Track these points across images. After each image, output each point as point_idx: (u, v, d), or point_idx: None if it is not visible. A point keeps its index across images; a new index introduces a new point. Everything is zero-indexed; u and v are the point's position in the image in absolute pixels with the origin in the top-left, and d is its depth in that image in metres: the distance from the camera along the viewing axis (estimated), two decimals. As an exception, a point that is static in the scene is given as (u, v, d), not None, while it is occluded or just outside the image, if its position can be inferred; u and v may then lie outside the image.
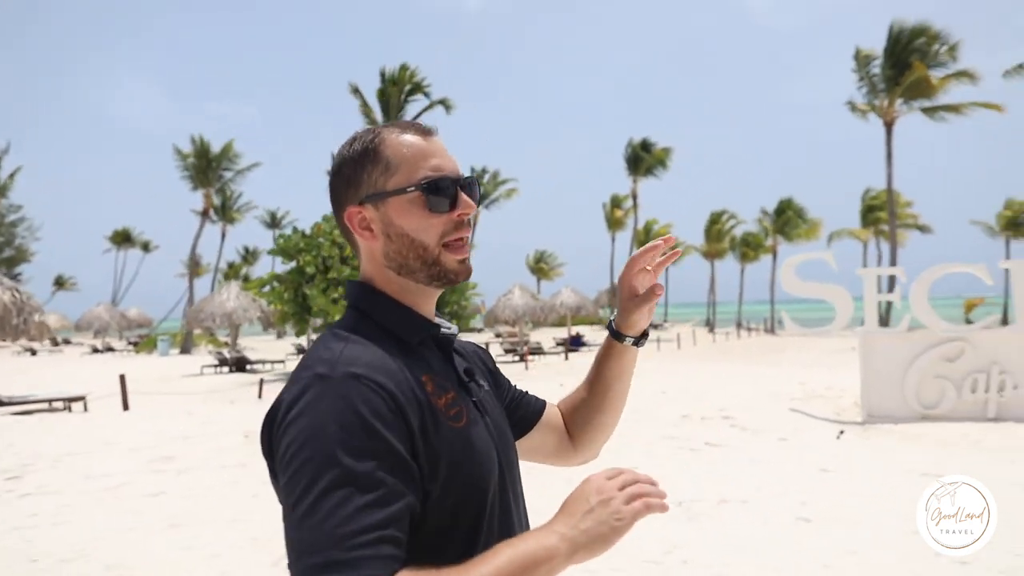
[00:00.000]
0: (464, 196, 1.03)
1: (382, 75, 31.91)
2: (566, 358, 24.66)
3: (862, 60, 26.18)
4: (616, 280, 1.30)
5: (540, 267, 64.51)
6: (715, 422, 9.99)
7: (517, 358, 25.65)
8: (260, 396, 14.50)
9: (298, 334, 21.44)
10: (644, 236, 53.43)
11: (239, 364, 23.88)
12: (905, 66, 24.57)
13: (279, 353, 33.76)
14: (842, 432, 9.07)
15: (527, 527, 1.10)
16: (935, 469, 6.96)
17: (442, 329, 1.08)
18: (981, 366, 9.89)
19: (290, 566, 0.85)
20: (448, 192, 1.02)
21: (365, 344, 0.97)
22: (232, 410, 12.34)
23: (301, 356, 1.77)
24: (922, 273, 10.50)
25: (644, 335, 1.27)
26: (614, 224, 53.91)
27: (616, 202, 54.67)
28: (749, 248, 50.80)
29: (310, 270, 20.08)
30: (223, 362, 24.08)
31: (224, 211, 48.17)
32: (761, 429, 9.37)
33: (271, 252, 21.29)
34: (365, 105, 32.23)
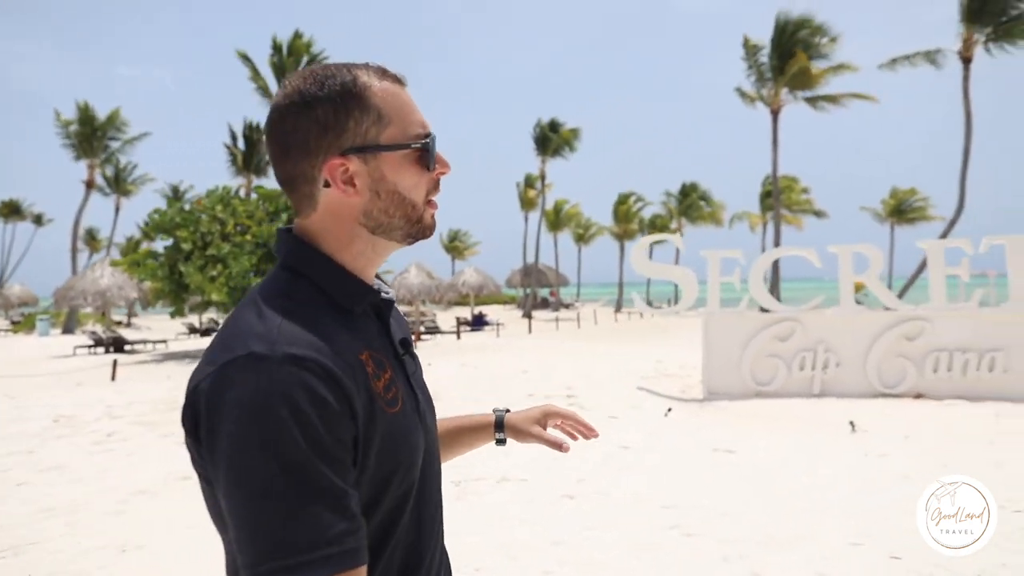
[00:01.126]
0: (441, 155, 0.98)
1: (274, 44, 30.72)
2: (458, 337, 24.67)
3: (750, 49, 27.02)
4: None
5: (454, 246, 64.25)
6: (556, 400, 10.13)
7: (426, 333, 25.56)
8: (113, 378, 13.83)
9: (173, 314, 20.60)
10: (554, 216, 53.84)
11: (117, 344, 22.78)
12: (789, 56, 25.52)
13: (172, 333, 32.47)
14: (670, 410, 9.35)
15: (440, 509, 1.06)
16: (727, 445, 7.24)
17: (382, 294, 1.00)
18: (809, 345, 10.38)
19: (242, 566, 0.78)
20: (434, 150, 0.96)
21: (303, 315, 0.87)
22: (65, 394, 11.71)
23: (211, 333, 1.35)
24: (759, 257, 10.91)
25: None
26: (527, 204, 53.96)
27: (529, 182, 54.73)
28: (657, 230, 51.99)
29: (186, 246, 19.29)
30: (98, 342, 22.93)
31: (118, 183, 45.70)
32: (597, 407, 9.55)
33: (143, 228, 20.30)
34: (256, 74, 31.00)
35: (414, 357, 1.05)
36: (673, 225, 50.69)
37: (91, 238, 62.50)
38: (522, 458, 6.52)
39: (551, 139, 41.10)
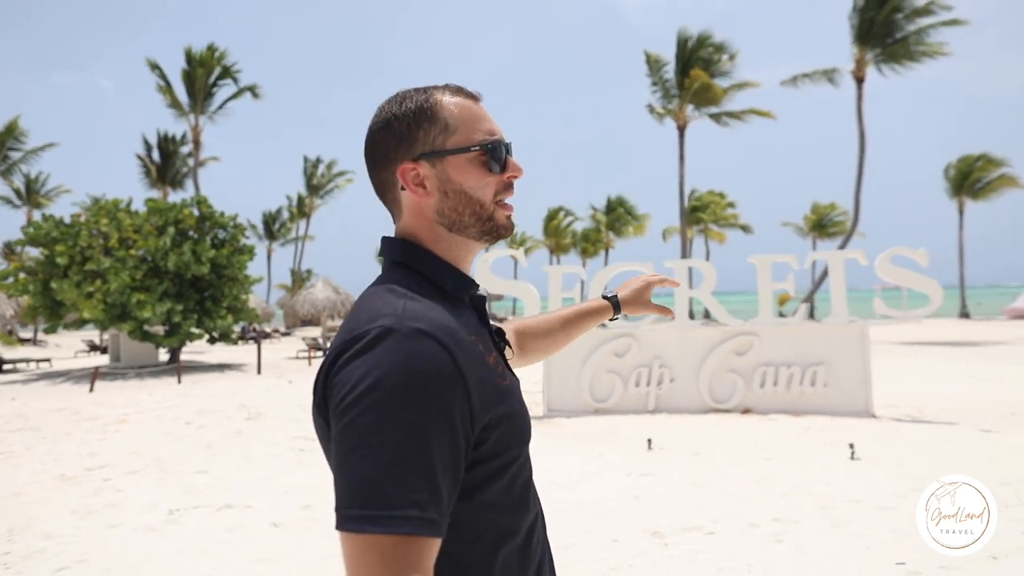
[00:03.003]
0: (513, 160, 1.08)
1: (188, 56, 29.98)
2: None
3: (653, 65, 27.43)
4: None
5: (390, 260, 63.47)
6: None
7: (323, 353, 25.04)
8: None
9: (47, 330, 19.70)
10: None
11: (-6, 363, 21.68)
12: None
13: (68, 351, 31.14)
14: None
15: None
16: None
17: (479, 291, 1.12)
18: (645, 361, 10.36)
19: (336, 507, 0.85)
20: (501, 154, 1.06)
21: (422, 300, 0.98)
22: None
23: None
24: (599, 272, 10.88)
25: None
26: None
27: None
28: (589, 244, 52.34)
29: (62, 261, 18.48)
30: (-28, 362, 21.77)
31: (28, 195, 43.93)
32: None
33: (18, 242, 19.41)
34: (168, 86, 30.18)
35: (508, 348, 1.17)
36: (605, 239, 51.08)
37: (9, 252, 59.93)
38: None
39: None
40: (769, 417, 9.56)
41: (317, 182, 43.65)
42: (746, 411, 9.90)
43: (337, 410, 0.88)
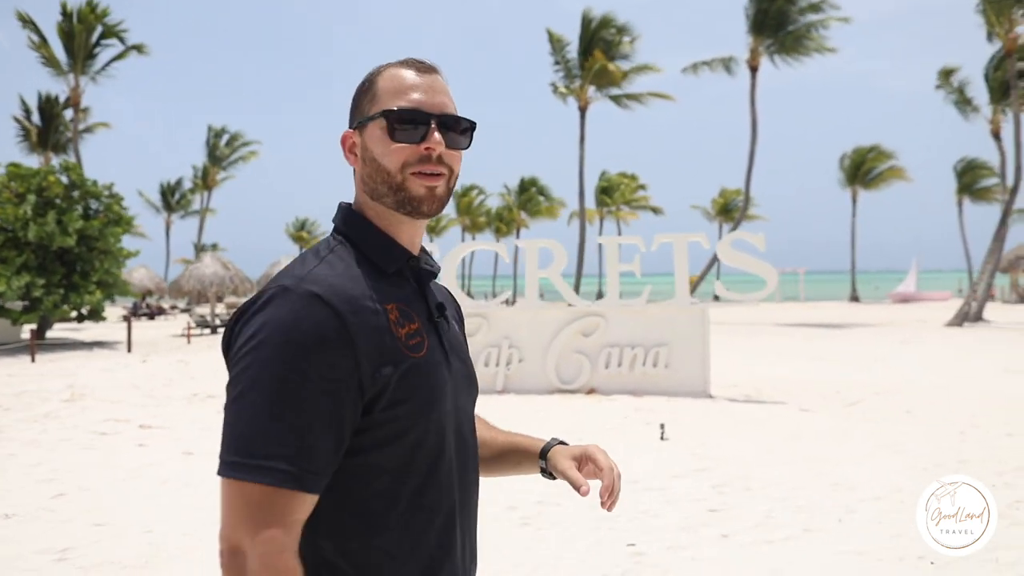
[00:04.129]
0: (436, 133, 1.04)
1: (63, 9, 27.85)
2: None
3: (556, 44, 27.43)
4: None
5: (301, 235, 61.86)
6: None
7: (209, 331, 24.15)
8: None
9: None
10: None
11: None
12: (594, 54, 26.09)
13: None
14: None
15: (476, 479, 1.16)
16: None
17: (422, 262, 1.10)
18: (495, 341, 10.33)
19: (220, 454, 0.91)
20: (417, 123, 1.03)
21: (335, 266, 0.99)
22: None
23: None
24: (450, 251, 10.76)
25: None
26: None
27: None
28: (503, 223, 52.34)
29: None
30: None
31: None
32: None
33: None
34: (43, 41, 28.06)
35: (449, 322, 1.14)
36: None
37: None
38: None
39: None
40: (611, 398, 9.70)
41: (220, 153, 41.90)
42: (591, 392, 10.02)
43: (230, 363, 0.94)
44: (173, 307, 40.54)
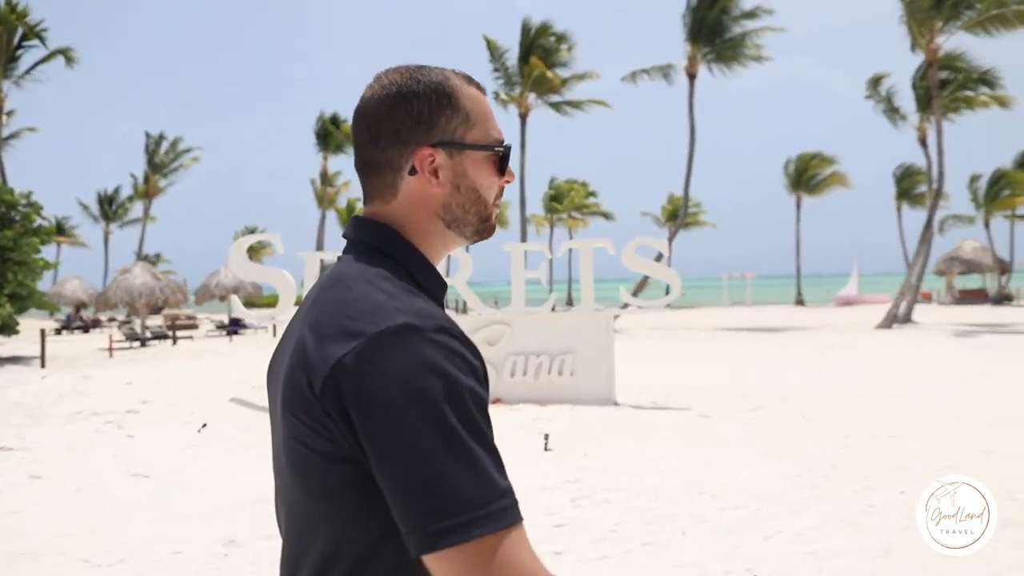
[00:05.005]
0: (509, 165, 1.05)
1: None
2: (174, 342, 22.82)
3: (495, 51, 27.43)
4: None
5: (251, 245, 60.69)
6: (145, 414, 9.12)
7: (139, 344, 23.41)
8: None
9: None
10: (346, 215, 52.35)
11: None
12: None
13: None
14: (204, 425, 8.60)
15: None
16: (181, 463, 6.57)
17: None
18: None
19: (417, 529, 0.80)
20: (508, 158, 1.04)
21: (418, 294, 0.93)
22: None
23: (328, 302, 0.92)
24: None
25: None
26: (324, 202, 52.09)
27: (327, 179, 52.89)
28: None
29: None
30: None
31: None
32: (163, 418, 8.65)
33: None
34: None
35: None
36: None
37: None
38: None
39: (333, 134, 39.73)
40: (515, 407, 9.53)
41: (160, 160, 40.85)
42: (496, 401, 9.83)
43: (376, 424, 0.82)
44: (111, 319, 39.33)
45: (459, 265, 10.19)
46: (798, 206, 46.12)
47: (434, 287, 0.99)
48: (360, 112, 1.00)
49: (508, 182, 1.05)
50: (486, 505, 0.80)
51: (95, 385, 12.23)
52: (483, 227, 1.03)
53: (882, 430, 7.62)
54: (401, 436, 0.80)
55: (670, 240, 26.90)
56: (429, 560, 0.80)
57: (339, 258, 1.01)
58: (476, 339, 9.91)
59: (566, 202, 46.61)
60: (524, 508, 0.83)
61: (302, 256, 10.60)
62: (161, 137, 41.53)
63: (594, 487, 5.67)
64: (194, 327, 28.51)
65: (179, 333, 26.60)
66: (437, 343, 0.84)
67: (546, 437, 7.17)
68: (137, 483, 6.10)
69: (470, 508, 0.79)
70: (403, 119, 0.96)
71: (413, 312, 0.86)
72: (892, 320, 23.54)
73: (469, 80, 1.03)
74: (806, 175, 45.39)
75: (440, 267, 1.06)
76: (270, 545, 4.51)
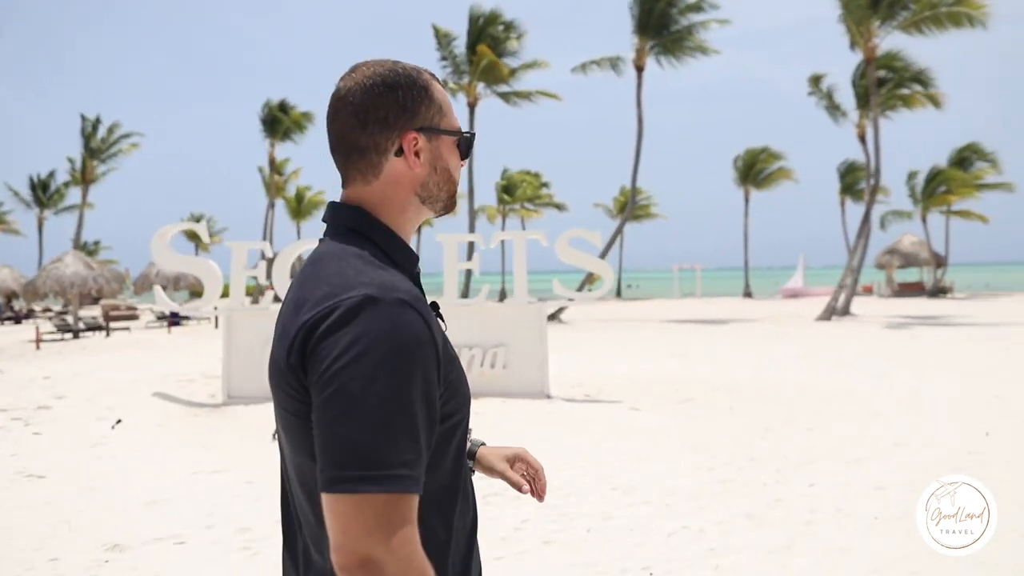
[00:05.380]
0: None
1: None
2: (108, 334, 22.04)
3: (443, 39, 27.09)
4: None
5: (195, 233, 58.96)
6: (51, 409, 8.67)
7: (72, 336, 22.51)
8: None
9: None
10: (295, 204, 51.38)
11: None
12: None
13: None
14: (119, 421, 8.24)
15: None
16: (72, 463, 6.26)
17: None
18: (330, 343, 9.85)
19: (323, 469, 0.90)
20: (472, 144, 1.19)
21: (388, 270, 1.02)
22: None
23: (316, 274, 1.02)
24: (283, 249, 10.22)
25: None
26: (274, 190, 50.93)
27: (276, 168, 51.70)
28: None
29: None
30: None
31: None
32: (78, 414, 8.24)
33: None
34: None
35: (442, 319, 1.18)
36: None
37: None
38: None
39: (281, 121, 38.79)
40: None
41: (97, 145, 39.28)
42: (427, 394, 9.68)
43: (324, 377, 0.92)
44: (46, 310, 37.85)
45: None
46: (746, 200, 46.87)
47: (406, 260, 1.11)
48: (343, 99, 1.09)
49: (462, 165, 1.20)
50: (385, 468, 0.88)
51: (8, 379, 11.67)
52: (450, 202, 1.18)
53: (803, 422, 7.72)
54: (339, 388, 0.90)
55: (617, 232, 27.04)
56: (324, 499, 0.91)
57: (320, 240, 1.12)
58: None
59: (518, 193, 46.50)
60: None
61: (229, 246, 10.26)
62: (98, 121, 39.93)
63: (506, 484, 5.58)
64: (133, 318, 27.57)
65: (116, 324, 25.72)
66: (393, 313, 0.93)
67: (117, 421, 7.04)
68: (29, 484, 5.78)
69: (372, 465, 0.88)
70: (391, 106, 1.08)
71: (376, 284, 0.96)
72: (831, 312, 24.10)
73: (433, 76, 1.17)
74: (754, 169, 46.12)
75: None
76: (157, 549, 4.30)
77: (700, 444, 6.82)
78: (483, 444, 1.46)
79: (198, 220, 62.70)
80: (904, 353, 14.11)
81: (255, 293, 41.65)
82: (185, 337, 21.68)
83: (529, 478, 1.45)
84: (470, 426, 1.29)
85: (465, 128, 1.20)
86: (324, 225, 1.14)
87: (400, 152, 1.09)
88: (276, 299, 10.21)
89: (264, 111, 39.45)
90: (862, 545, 4.22)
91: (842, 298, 25.01)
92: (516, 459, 1.46)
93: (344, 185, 1.13)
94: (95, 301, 36.98)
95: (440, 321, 1.13)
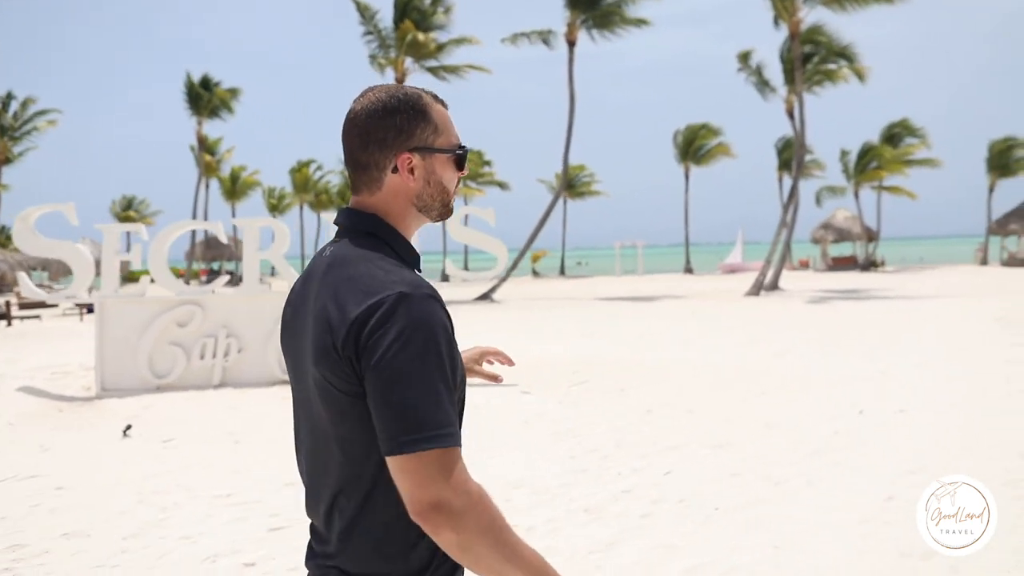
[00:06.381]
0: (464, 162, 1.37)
1: None
2: (8, 323, 20.93)
3: (365, 12, 26.21)
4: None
5: (129, 215, 56.78)
6: None
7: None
8: None
9: None
10: (230, 184, 49.78)
11: None
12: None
13: None
14: (129, 427, 7.50)
15: None
16: None
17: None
18: (212, 330, 9.32)
19: (389, 436, 1.12)
20: (466, 158, 1.35)
21: (404, 268, 1.23)
22: None
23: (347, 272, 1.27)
24: (160, 231, 9.62)
25: None
26: (208, 170, 49.13)
27: (209, 147, 49.84)
28: (345, 201, 50.45)
29: None
30: None
31: None
32: None
33: None
34: None
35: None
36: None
37: None
38: None
39: (204, 97, 37.27)
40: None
41: (8, 123, 37.09)
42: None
43: (381, 363, 1.12)
44: (-41, 297, 35.93)
45: (274, 238, 9.47)
46: (687, 176, 47.17)
47: (412, 259, 1.30)
48: (352, 121, 1.29)
49: (464, 175, 1.36)
50: (439, 428, 1.11)
51: None
52: (444, 211, 1.35)
53: (687, 403, 7.56)
54: (391, 369, 1.11)
55: (548, 210, 26.81)
56: (391, 461, 1.12)
57: (334, 242, 1.30)
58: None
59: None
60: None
61: (99, 228, 9.60)
62: (10, 97, 37.72)
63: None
64: (49, 305, 26.26)
65: (26, 313, 24.45)
66: (424, 305, 1.15)
67: (128, 427, 6.64)
68: None
69: (426, 428, 1.10)
70: (388, 130, 1.26)
71: (406, 283, 1.17)
72: (759, 287, 24.35)
73: (435, 98, 1.32)
74: (693, 146, 46.38)
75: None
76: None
77: (573, 430, 6.59)
78: None
79: (130, 203, 60.48)
80: (816, 328, 14.22)
81: (187, 276, 40.32)
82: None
83: (496, 361, 1.76)
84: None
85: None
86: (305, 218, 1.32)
87: (396, 170, 1.27)
88: (152, 281, 9.63)
89: (187, 87, 37.82)
90: (692, 539, 4.01)
91: (770, 273, 25.30)
92: (483, 356, 1.74)
93: (354, 193, 1.32)
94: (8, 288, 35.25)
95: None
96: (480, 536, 1.10)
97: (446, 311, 1.18)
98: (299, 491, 4.20)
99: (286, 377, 9.22)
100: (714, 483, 4.91)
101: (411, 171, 1.27)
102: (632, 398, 7.96)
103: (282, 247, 9.50)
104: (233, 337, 9.33)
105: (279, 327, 1.41)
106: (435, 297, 1.17)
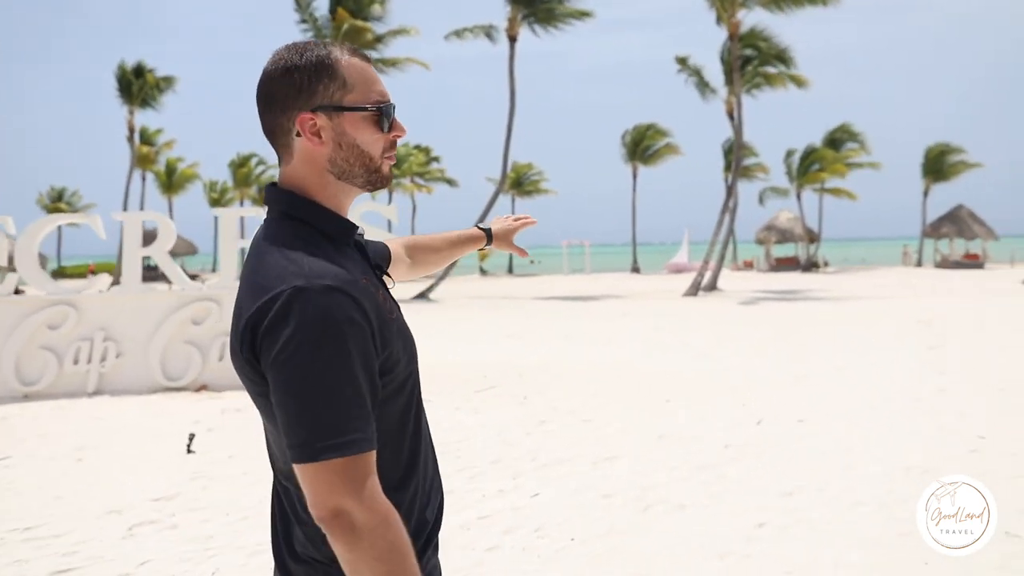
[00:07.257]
0: (398, 120, 1.21)
1: None
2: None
3: (301, 1, 25.35)
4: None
5: (59, 207, 54.29)
6: None
7: None
8: None
9: None
10: (166, 178, 48.06)
11: None
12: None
13: None
14: (192, 437, 6.70)
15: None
16: None
17: (358, 231, 1.25)
18: (87, 333, 8.60)
19: (289, 445, 1.05)
20: (391, 115, 1.20)
21: (318, 254, 1.11)
22: None
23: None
24: (29, 226, 8.86)
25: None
26: (143, 161, 47.23)
27: (146, 138, 47.99)
28: (291, 195, 49.11)
29: None
30: None
31: None
32: None
33: None
34: None
35: (388, 278, 1.35)
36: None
37: None
38: None
39: (135, 84, 35.72)
40: (222, 394, 8.35)
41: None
42: (201, 388, 8.62)
43: (274, 367, 1.04)
44: None
45: (157, 233, 8.79)
46: (635, 176, 47.27)
47: (341, 232, 1.19)
48: (259, 84, 1.19)
49: (398, 136, 1.22)
50: (340, 435, 1.02)
51: None
52: (373, 177, 1.21)
53: (586, 411, 7.18)
54: (288, 375, 1.03)
55: (488, 207, 26.35)
56: (295, 468, 1.05)
57: (263, 223, 1.22)
58: (178, 318, 8.61)
59: (404, 167, 45.06)
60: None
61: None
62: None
63: (216, 496, 4.70)
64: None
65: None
66: (322, 299, 1.04)
67: (191, 437, 6.08)
68: None
69: (327, 435, 1.02)
70: (287, 90, 1.15)
71: (304, 275, 1.06)
72: (697, 288, 24.32)
73: (353, 51, 1.21)
74: (641, 146, 46.51)
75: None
76: None
77: (460, 442, 6.13)
78: (488, 227, 1.80)
79: (60, 194, 57.88)
80: (743, 331, 14.07)
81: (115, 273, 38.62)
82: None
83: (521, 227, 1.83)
84: (487, 226, 1.82)
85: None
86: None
87: (300, 133, 1.15)
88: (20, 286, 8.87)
89: (118, 74, 36.20)
90: (538, 574, 3.58)
91: (708, 274, 25.30)
92: (515, 230, 1.82)
93: (279, 165, 1.22)
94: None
95: (383, 286, 1.23)
96: (371, 563, 1.03)
97: (357, 301, 1.07)
98: (118, 525, 3.62)
99: (169, 383, 8.59)
100: (580, 508, 4.50)
101: (317, 134, 1.15)
102: (533, 406, 7.55)
103: (167, 243, 8.82)
104: (111, 341, 8.62)
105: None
106: (339, 288, 1.06)
